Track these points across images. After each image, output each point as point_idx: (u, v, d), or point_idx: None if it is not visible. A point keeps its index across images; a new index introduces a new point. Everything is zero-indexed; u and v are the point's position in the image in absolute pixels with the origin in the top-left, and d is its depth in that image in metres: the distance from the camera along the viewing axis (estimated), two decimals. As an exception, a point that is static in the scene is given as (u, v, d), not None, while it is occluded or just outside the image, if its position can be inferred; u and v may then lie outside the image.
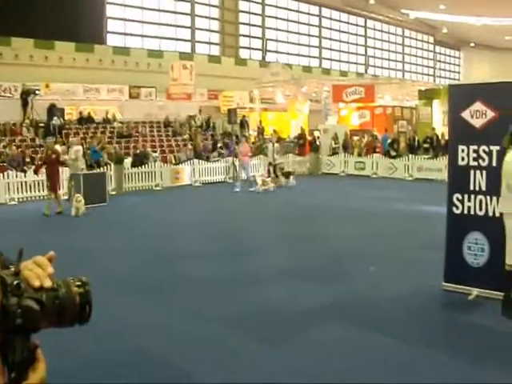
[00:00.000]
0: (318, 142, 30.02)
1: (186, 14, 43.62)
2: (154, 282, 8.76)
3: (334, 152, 29.73)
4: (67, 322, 1.21)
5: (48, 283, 1.19)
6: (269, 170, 24.06)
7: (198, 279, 8.88)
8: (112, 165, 21.62)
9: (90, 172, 19.80)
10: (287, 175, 23.51)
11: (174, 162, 25.54)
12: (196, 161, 24.71)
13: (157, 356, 5.87)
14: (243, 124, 32.30)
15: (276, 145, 24.60)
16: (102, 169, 21.08)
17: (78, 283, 1.25)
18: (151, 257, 10.50)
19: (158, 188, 22.63)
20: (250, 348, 6.10)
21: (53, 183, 16.18)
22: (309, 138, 31.29)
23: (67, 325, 1.22)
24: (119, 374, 5.46)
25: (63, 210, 16.04)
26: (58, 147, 19.21)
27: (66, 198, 17.85)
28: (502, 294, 7.01)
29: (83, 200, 15.97)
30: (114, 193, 20.47)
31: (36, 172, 19.43)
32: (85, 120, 28.14)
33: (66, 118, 28.16)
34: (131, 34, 40.03)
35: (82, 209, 15.81)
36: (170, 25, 42.68)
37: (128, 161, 22.83)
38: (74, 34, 33.23)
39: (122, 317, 7.09)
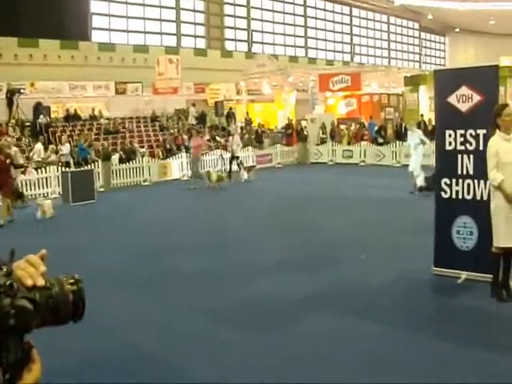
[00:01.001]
0: (305, 132, 30.03)
1: (171, 8, 43.40)
2: (145, 278, 8.72)
3: (322, 141, 29.74)
4: (61, 320, 1.22)
5: (41, 282, 1.18)
6: (230, 163, 23.18)
7: (187, 273, 8.84)
8: (99, 162, 21.52)
9: (78, 170, 19.72)
10: (248, 170, 22.61)
11: (161, 156, 25.45)
12: (184, 154, 24.61)
13: (148, 351, 5.83)
14: (230, 116, 32.23)
15: (236, 137, 23.73)
16: (89, 166, 20.98)
17: (71, 281, 1.25)
18: (141, 252, 10.44)
19: (146, 183, 22.54)
20: (241, 341, 6.08)
21: (5, 189, 14.39)
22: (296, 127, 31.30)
23: (61, 323, 1.23)
24: (112, 370, 5.42)
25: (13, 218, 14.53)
26: (13, 149, 18.36)
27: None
28: (491, 276, 7.04)
29: (49, 201, 15.32)
30: (102, 190, 20.39)
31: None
32: (71, 117, 27.97)
33: (53, 116, 28.01)
34: (116, 30, 39.80)
35: (50, 211, 14.82)
36: (155, 19, 42.45)
37: (116, 157, 22.73)
38: (58, 32, 32.99)
39: (114, 313, 7.05)
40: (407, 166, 23.98)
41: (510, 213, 6.70)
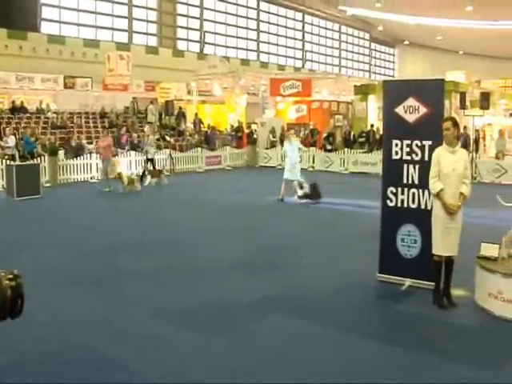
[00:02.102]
0: (255, 135, 30.16)
1: (123, 4, 42.93)
2: (91, 275, 8.61)
3: (273, 145, 29.90)
4: None
5: None
6: (144, 167, 22.17)
7: (134, 272, 8.78)
8: (46, 156, 21.09)
9: (23, 163, 19.30)
10: (158, 173, 21.41)
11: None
12: (133, 152, 24.37)
13: (93, 351, 5.77)
14: (180, 116, 32.06)
15: (150, 137, 22.44)
16: (35, 160, 20.55)
17: (10, 276, 1.21)
18: (87, 249, 10.30)
19: (93, 180, 22.21)
20: (190, 341, 6.08)
21: None
22: (246, 130, 31.37)
23: None
24: (55, 371, 5.34)
25: None
26: None
27: None
28: (433, 283, 7.27)
29: None
30: (48, 185, 20.00)
31: None
32: (17, 109, 27.33)
33: (-2, 107, 27.33)
34: (66, 23, 39.10)
35: None
36: (107, 14, 41.91)
37: (62, 152, 22.34)
38: (6, 20, 32.22)
39: (58, 311, 6.94)
40: (355, 173, 24.57)
41: (447, 223, 6.95)
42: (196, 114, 33.67)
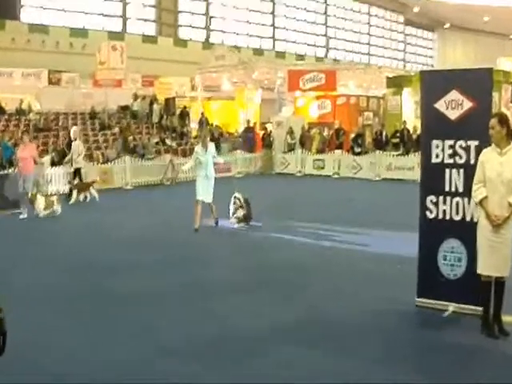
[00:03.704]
0: (270, 137, 30.19)
1: (116, -14, 43.34)
2: (76, 297, 8.77)
3: (290, 148, 29.91)
4: None
5: None
6: (74, 178, 20.83)
7: (125, 294, 8.84)
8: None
9: (1, 173, 19.41)
10: (86, 187, 20.20)
11: (101, 160, 25.26)
12: (127, 158, 24.49)
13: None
14: (184, 116, 32.19)
15: (78, 142, 21.23)
16: (15, 169, 20.67)
17: None
18: (74, 269, 10.44)
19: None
20: (190, 377, 6.08)
21: None
22: (260, 132, 31.40)
23: None
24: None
25: None
26: None
27: None
28: (481, 309, 7.20)
29: None
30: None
31: None
32: (-7, 111, 27.63)
33: (-29, 107, 27.60)
34: (50, 9, 39.47)
35: None
36: (97, -2, 42.32)
37: (47, 159, 22.43)
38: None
39: (36, 340, 6.98)
40: (389, 180, 24.48)
41: (492, 237, 6.87)
42: (202, 113, 33.78)
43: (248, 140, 30.84)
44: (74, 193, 19.97)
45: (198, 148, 14.65)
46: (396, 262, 10.47)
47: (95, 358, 6.54)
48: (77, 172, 20.88)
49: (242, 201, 14.72)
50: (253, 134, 31.06)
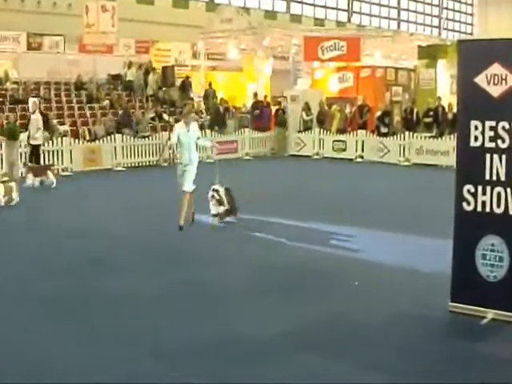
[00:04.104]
0: (284, 114, 30.14)
1: None
2: (67, 300, 8.84)
3: (306, 127, 29.86)
4: None
5: None
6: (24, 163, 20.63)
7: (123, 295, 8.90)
8: (3, 141, 21.20)
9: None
10: (43, 171, 20.12)
11: (88, 137, 25.31)
12: (118, 136, 24.50)
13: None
14: (186, 87, 32.10)
15: (37, 116, 21.43)
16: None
17: None
18: (58, 264, 10.52)
19: (65, 173, 22.38)
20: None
21: None
22: (272, 107, 31.35)
23: None
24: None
25: None
26: None
27: None
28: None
29: None
30: (5, 179, 20.07)
31: None
32: (-34, 79, 27.70)
33: None
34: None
35: None
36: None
37: (25, 136, 22.46)
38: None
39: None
40: (419, 165, 24.31)
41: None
42: (210, 84, 33.56)
43: (262, 116, 30.71)
44: (30, 176, 19.63)
45: (180, 126, 13.82)
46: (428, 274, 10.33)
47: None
48: (35, 150, 20.91)
49: (223, 193, 14.00)
50: (268, 109, 30.89)
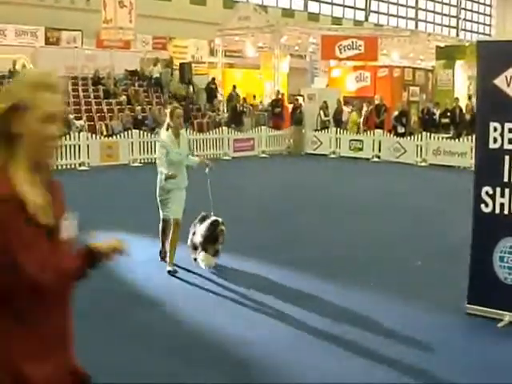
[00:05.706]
0: (301, 112, 30.14)
1: None
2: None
3: (324, 126, 29.84)
4: None
5: None
6: None
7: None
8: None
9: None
10: None
11: (105, 133, 25.40)
12: (135, 132, 24.59)
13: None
14: (211, 88, 32.20)
15: None
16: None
17: None
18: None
19: (83, 168, 22.51)
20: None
21: None
22: (288, 105, 31.35)
23: None
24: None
25: None
26: None
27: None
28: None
29: None
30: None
31: None
32: (-17, 72, 27.80)
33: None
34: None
35: None
36: None
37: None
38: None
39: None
40: (437, 166, 24.09)
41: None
42: (234, 87, 33.39)
43: (274, 114, 30.74)
44: None
45: (166, 137, 9.98)
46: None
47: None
48: None
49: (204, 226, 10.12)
50: (281, 108, 30.93)
